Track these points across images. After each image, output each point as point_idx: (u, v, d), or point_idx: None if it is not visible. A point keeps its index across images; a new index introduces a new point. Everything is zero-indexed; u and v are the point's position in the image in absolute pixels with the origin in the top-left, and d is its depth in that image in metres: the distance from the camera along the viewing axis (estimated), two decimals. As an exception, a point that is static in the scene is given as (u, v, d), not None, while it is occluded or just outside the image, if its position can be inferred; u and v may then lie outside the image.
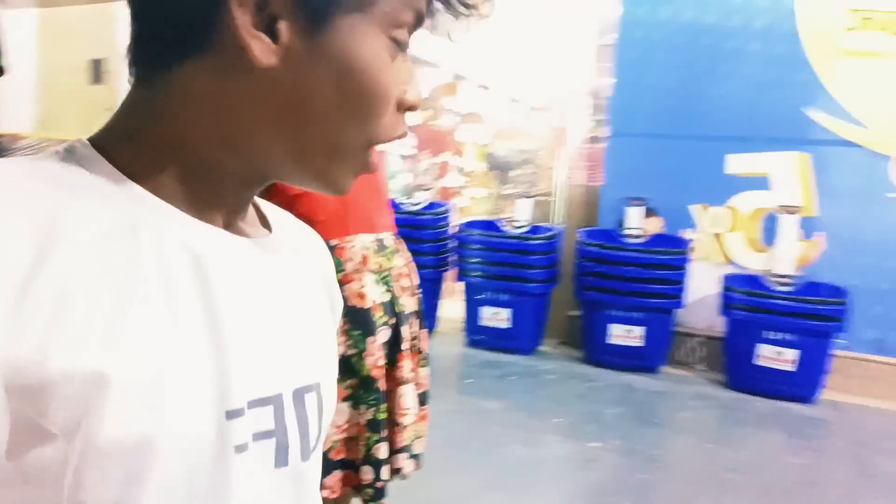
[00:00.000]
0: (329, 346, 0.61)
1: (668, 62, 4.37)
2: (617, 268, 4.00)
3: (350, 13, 0.45)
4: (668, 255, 4.03)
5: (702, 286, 4.17)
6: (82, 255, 0.40)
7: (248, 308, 0.49)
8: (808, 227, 4.06)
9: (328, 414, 0.58)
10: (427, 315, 4.38)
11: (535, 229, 4.32)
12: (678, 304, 4.06)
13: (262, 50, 0.44)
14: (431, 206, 4.54)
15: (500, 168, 5.59)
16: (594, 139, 4.71)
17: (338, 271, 1.44)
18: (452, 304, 4.59)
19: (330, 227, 1.49)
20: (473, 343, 4.31)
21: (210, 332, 0.45)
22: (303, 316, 0.56)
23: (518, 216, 4.39)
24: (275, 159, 0.48)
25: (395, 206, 4.47)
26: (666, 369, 4.14)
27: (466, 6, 0.50)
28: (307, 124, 0.47)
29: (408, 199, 4.63)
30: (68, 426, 0.38)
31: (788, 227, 3.97)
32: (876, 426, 3.49)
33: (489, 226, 4.47)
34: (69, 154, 0.45)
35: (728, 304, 3.88)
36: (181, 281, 0.44)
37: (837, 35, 4.00)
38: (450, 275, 4.54)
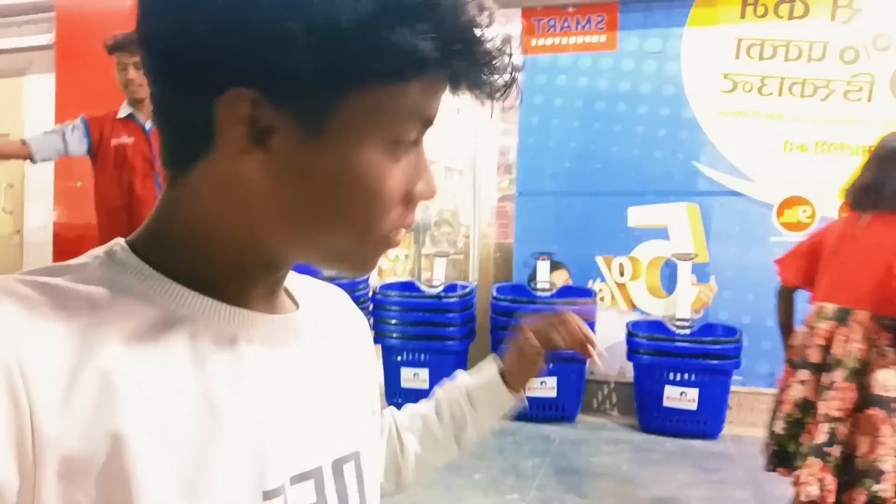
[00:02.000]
0: (366, 414, 0.62)
1: (567, 125, 4.67)
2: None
3: (346, 125, 0.45)
4: (576, 305, 4.22)
5: (611, 334, 4.38)
6: (122, 352, 0.42)
7: (284, 386, 0.51)
8: (703, 273, 4.36)
9: (372, 482, 0.58)
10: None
11: (451, 287, 4.46)
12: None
13: (252, 167, 0.45)
14: None
15: (416, 229, 5.75)
16: (504, 198, 4.93)
17: None
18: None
19: None
20: (394, 406, 4.35)
21: (248, 416, 0.46)
22: (337, 384, 0.57)
23: (434, 275, 4.53)
24: (292, 253, 0.51)
25: (314, 274, 4.53)
26: (582, 417, 4.29)
27: (491, 97, 0.50)
28: (312, 227, 0.48)
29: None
30: None
31: (684, 273, 4.25)
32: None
33: (406, 287, 4.58)
34: (109, 257, 0.48)
35: (633, 349, 4.09)
36: (216, 369, 0.46)
37: (716, 97, 4.39)
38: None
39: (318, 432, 0.53)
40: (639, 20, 4.53)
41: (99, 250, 0.49)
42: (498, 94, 0.50)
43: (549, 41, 4.69)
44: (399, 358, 4.33)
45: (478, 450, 3.74)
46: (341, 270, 0.53)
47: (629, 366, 4.21)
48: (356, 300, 3.96)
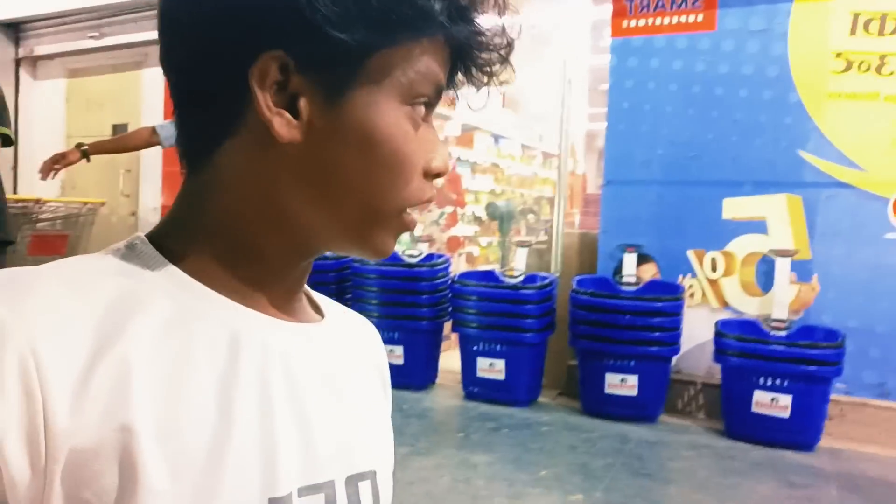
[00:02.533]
0: (384, 434, 0.61)
1: (659, 110, 4.43)
2: (610, 315, 4.01)
3: (367, 86, 0.47)
4: (663, 301, 4.02)
5: (700, 332, 4.14)
6: (137, 345, 0.42)
7: (301, 394, 0.50)
8: (804, 271, 4.02)
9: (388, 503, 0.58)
10: (427, 366, 4.45)
11: (531, 278, 4.37)
12: (674, 352, 4.03)
13: (283, 126, 0.46)
14: (429, 257, 4.63)
15: (500, 218, 5.68)
16: (592, 186, 4.77)
17: None
18: (452, 356, 4.63)
19: None
20: (470, 395, 4.34)
21: (260, 420, 0.46)
22: (357, 402, 0.56)
23: (515, 265, 4.45)
24: (315, 229, 0.50)
25: (394, 258, 4.58)
26: (664, 418, 4.10)
27: (488, 76, 0.53)
28: (337, 194, 0.48)
29: (407, 250, 4.73)
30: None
31: (783, 270, 3.94)
32: (874, 473, 3.38)
33: (486, 276, 4.53)
34: (129, 250, 0.48)
35: (722, 350, 3.84)
36: (231, 369, 0.46)
37: (826, 78, 4.02)
38: (449, 326, 4.60)
39: (333, 445, 0.52)
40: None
41: (120, 244, 0.49)
42: (492, 69, 0.52)
43: (642, 22, 4.46)
44: (476, 347, 4.30)
45: (548, 445, 3.67)
46: (359, 251, 0.52)
47: (718, 367, 3.96)
48: (433, 287, 3.99)
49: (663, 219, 4.39)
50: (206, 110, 0.49)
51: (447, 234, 6.10)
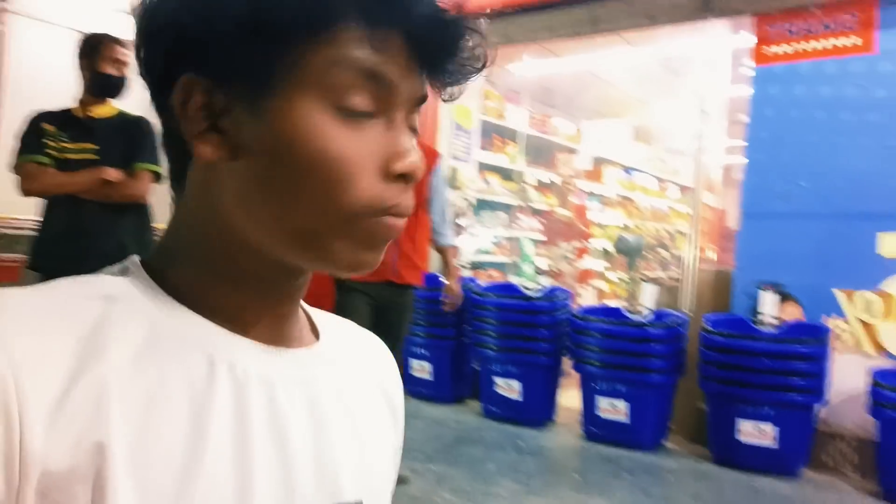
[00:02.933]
0: (380, 461, 0.59)
1: (803, 139, 4.12)
2: (747, 358, 3.72)
3: (286, 92, 0.45)
4: (805, 344, 3.68)
5: (851, 380, 3.74)
6: (117, 367, 0.42)
7: (283, 422, 0.49)
8: (979, 316, 3.53)
9: None
10: (544, 403, 4.33)
11: (658, 316, 4.16)
12: (818, 400, 3.66)
13: (207, 148, 0.47)
14: (550, 291, 4.55)
15: (629, 253, 5.48)
16: (729, 220, 4.50)
17: None
18: (572, 393, 4.49)
19: None
20: (590, 435, 4.16)
21: (234, 448, 0.45)
22: (347, 428, 0.54)
23: (643, 302, 4.26)
24: (275, 245, 0.48)
25: (514, 291, 4.54)
26: (809, 474, 3.71)
27: (462, 62, 0.49)
28: (277, 208, 0.47)
29: (527, 283, 4.67)
30: None
31: (952, 315, 3.48)
32: None
33: (610, 312, 4.36)
34: (121, 273, 0.49)
35: (878, 401, 3.44)
36: (206, 395, 0.45)
37: None
38: (568, 362, 4.47)
39: (315, 474, 0.50)
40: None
41: (115, 267, 0.50)
42: (460, 52, 0.48)
43: (785, 48, 4.19)
44: (597, 386, 4.14)
45: (671, 493, 3.44)
46: (324, 265, 0.49)
47: (871, 420, 3.55)
48: (552, 321, 3.89)
49: (806, 255, 4.04)
50: (168, 144, 0.51)
51: (577, 267, 5.97)
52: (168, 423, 0.43)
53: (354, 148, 0.46)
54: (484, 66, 0.50)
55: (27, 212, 3.53)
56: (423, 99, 0.50)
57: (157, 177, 2.73)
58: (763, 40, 4.27)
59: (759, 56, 4.28)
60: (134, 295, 0.47)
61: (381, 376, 0.62)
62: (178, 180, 0.52)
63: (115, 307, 0.45)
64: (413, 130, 0.51)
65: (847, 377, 3.75)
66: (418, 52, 0.48)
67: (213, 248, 0.49)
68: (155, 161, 2.72)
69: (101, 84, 2.70)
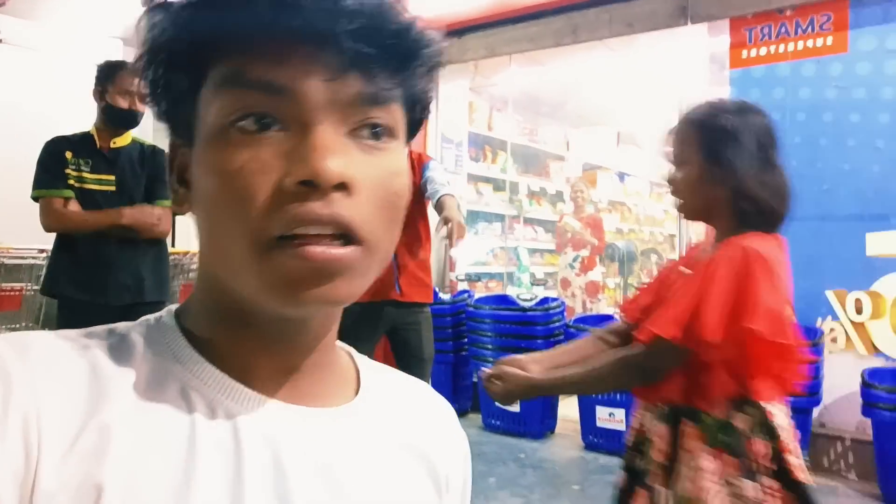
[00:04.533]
0: None
1: (786, 141, 4.12)
2: (738, 363, 3.72)
3: (200, 135, 0.46)
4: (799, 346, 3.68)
5: (844, 381, 3.75)
6: (125, 414, 0.43)
7: (289, 485, 0.46)
8: (970, 313, 3.55)
9: None
10: (544, 414, 4.34)
11: (651, 323, 4.17)
12: (813, 403, 3.67)
13: (179, 201, 0.50)
14: (543, 301, 4.56)
15: (620, 259, 5.49)
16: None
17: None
18: (572, 403, 4.50)
19: None
20: (590, 445, 4.17)
21: (230, 500, 0.43)
22: (366, 498, 0.50)
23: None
24: (232, 286, 0.47)
25: (508, 302, 4.56)
26: (808, 476, 3.72)
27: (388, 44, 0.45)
28: (211, 245, 0.47)
29: (522, 294, 4.69)
30: None
31: (943, 313, 3.50)
32: None
33: (605, 319, 4.38)
34: (155, 322, 0.50)
35: (871, 402, 3.45)
36: (204, 451, 0.44)
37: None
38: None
39: None
40: (876, 15, 3.88)
41: (151, 316, 0.51)
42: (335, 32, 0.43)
43: (763, 51, 4.22)
44: (595, 396, 4.15)
45: None
46: (274, 300, 0.45)
47: (869, 422, 3.56)
48: (547, 332, 3.88)
49: (795, 257, 4.04)
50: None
51: (585, 279, 5.97)
52: (162, 468, 0.42)
53: (256, 165, 0.43)
54: (416, 45, 0.46)
55: (27, 241, 3.53)
56: (368, 97, 0.45)
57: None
58: (739, 44, 4.30)
59: (736, 59, 4.31)
60: (156, 344, 0.48)
61: (427, 445, 0.56)
62: None
63: (133, 356, 0.46)
64: (366, 133, 0.46)
65: (842, 378, 3.76)
66: (323, 48, 0.44)
67: (213, 298, 0.49)
68: (167, 196, 2.76)
69: (112, 117, 2.71)
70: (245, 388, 0.47)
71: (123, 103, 2.68)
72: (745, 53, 4.27)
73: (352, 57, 0.43)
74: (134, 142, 2.80)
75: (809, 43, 4.08)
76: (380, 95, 0.45)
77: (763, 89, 4.22)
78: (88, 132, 2.75)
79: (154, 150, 2.82)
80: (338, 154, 0.43)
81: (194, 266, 5.60)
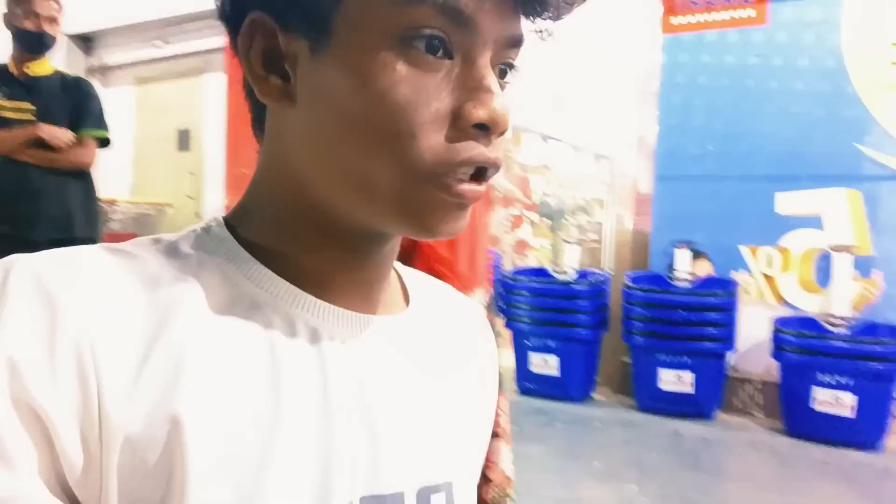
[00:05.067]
0: (470, 438, 0.55)
1: (712, 105, 4.40)
2: (664, 311, 3.99)
3: (348, 32, 0.41)
4: (717, 296, 3.98)
5: (757, 330, 4.08)
6: (194, 332, 0.40)
7: (369, 394, 0.45)
8: (866, 266, 3.93)
9: None
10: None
11: (582, 275, 4.38)
12: (729, 348, 3.99)
13: (268, 89, 0.44)
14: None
15: (551, 216, 5.69)
16: (643, 185, 4.75)
17: None
18: (506, 351, 4.66)
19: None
20: (524, 390, 4.36)
21: (319, 418, 0.42)
22: (437, 402, 0.51)
23: (565, 262, 4.47)
24: (342, 202, 0.44)
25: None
26: (722, 416, 4.05)
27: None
28: (346, 157, 0.42)
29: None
30: (156, 499, 0.37)
31: (843, 266, 3.86)
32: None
33: (538, 272, 4.56)
34: (204, 232, 0.46)
35: (780, 346, 3.79)
36: (286, 364, 0.42)
37: (884, 69, 3.93)
38: (500, 322, 4.64)
39: (403, 453, 0.46)
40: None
41: (198, 226, 0.47)
42: None
43: (693, 18, 4.44)
44: (528, 343, 4.33)
45: (601, 440, 3.67)
46: (399, 226, 0.44)
47: (776, 364, 3.90)
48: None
49: (716, 214, 4.35)
50: (246, 90, 0.48)
51: (514, 237, 6.12)
52: (245, 392, 0.40)
53: (423, 93, 0.40)
54: None
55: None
56: (518, 40, 0.44)
57: (103, 143, 2.66)
58: (670, 10, 4.50)
59: (667, 25, 4.52)
60: (212, 255, 0.44)
61: (471, 345, 0.58)
62: (258, 128, 0.49)
63: (192, 268, 0.43)
64: (504, 73, 0.45)
65: (753, 327, 4.09)
66: None
67: (289, 206, 0.46)
68: (102, 126, 2.65)
69: (21, 40, 2.59)
70: (321, 301, 0.45)
71: (31, 25, 2.56)
72: (675, 20, 4.48)
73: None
74: (56, 72, 2.68)
75: (735, 14, 4.32)
76: (523, 39, 0.44)
77: (692, 55, 4.44)
78: (5, 63, 2.62)
79: (78, 81, 2.70)
80: (502, 97, 0.42)
81: (118, 216, 5.37)
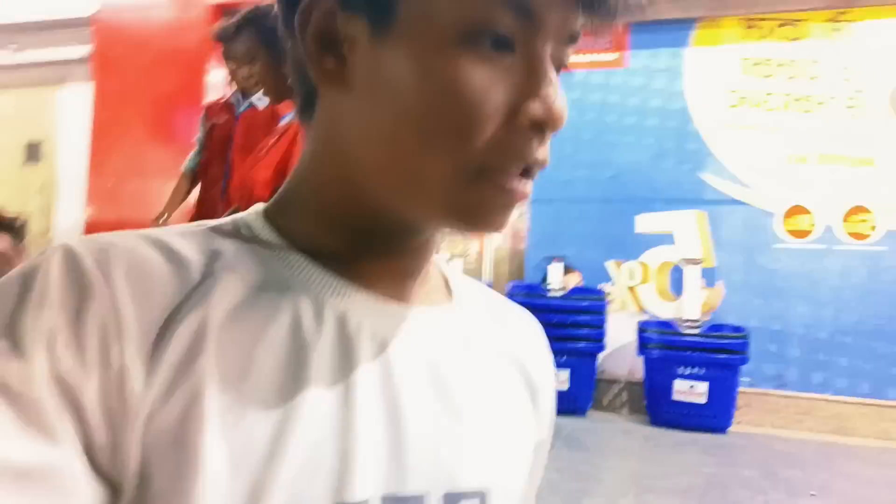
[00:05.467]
0: (510, 447, 0.50)
1: (579, 137, 4.90)
2: (541, 315, 4.24)
3: (411, 21, 0.40)
4: (588, 300, 4.37)
5: (620, 336, 4.51)
6: (220, 313, 0.39)
7: (397, 385, 0.43)
8: (710, 277, 4.51)
9: None
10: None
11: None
12: (600, 348, 4.36)
13: (323, 72, 0.42)
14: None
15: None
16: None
17: None
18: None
19: None
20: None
21: (341, 409, 0.41)
22: (473, 403, 0.47)
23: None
24: (390, 193, 0.43)
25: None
26: (592, 414, 4.39)
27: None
28: (399, 146, 0.41)
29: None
30: (165, 480, 0.36)
31: (692, 277, 4.41)
32: (780, 448, 3.81)
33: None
34: (243, 220, 0.46)
35: (644, 344, 4.22)
36: (315, 347, 0.41)
37: (721, 111, 4.63)
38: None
39: (429, 452, 0.44)
40: (648, 40, 4.81)
41: (240, 213, 0.47)
42: None
43: (564, 58, 4.96)
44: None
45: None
46: (446, 220, 0.43)
47: (639, 367, 4.32)
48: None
49: (584, 234, 4.81)
50: (294, 73, 0.47)
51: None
52: (266, 375, 0.39)
53: (486, 85, 0.39)
54: None
55: None
56: (576, 36, 0.43)
57: None
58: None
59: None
60: (247, 241, 0.44)
61: (521, 353, 0.54)
62: (306, 113, 0.47)
63: (225, 253, 0.42)
64: (558, 71, 0.43)
65: (618, 333, 4.51)
66: None
67: (333, 193, 0.45)
68: None
69: None
70: (353, 288, 0.44)
71: None
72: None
73: None
74: None
75: (598, 57, 4.91)
76: (580, 35, 0.43)
77: (564, 88, 4.93)
78: None
79: None
80: (562, 94, 0.41)
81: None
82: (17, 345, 0.35)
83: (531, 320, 0.58)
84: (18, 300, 0.36)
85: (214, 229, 0.44)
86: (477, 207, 0.41)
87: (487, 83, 0.39)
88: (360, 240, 0.45)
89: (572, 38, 0.43)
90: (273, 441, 0.38)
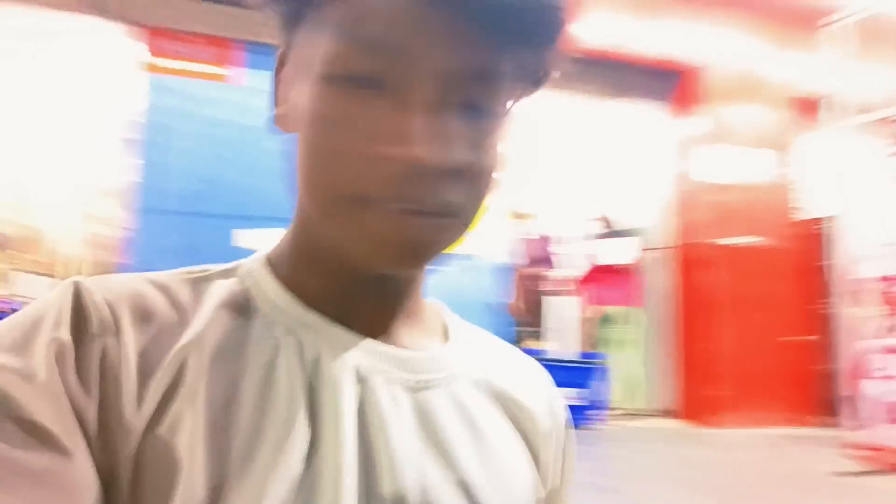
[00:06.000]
0: (511, 486, 0.49)
1: (193, 150, 4.80)
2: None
3: (300, 64, 0.44)
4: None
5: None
6: (205, 352, 0.42)
7: (367, 423, 0.44)
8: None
9: None
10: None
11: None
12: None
13: (279, 118, 0.48)
14: None
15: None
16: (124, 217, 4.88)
17: None
18: None
19: None
20: None
21: (304, 440, 0.42)
22: (461, 446, 0.47)
23: (16, 292, 4.33)
24: (320, 225, 0.45)
25: None
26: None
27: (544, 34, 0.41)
28: (301, 174, 0.44)
29: None
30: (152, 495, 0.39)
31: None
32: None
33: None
34: (241, 266, 0.50)
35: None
36: (288, 387, 0.43)
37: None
38: None
39: (398, 496, 0.43)
40: (262, 60, 4.86)
41: (246, 259, 0.51)
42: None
43: (176, 65, 4.86)
44: None
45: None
46: (348, 253, 0.44)
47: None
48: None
49: (183, 247, 4.69)
50: None
51: None
52: (235, 408, 0.42)
53: (345, 121, 0.41)
54: (556, 23, 0.41)
55: None
56: (480, 72, 0.41)
57: None
58: (156, 53, 4.86)
59: (154, 67, 4.86)
60: (248, 288, 0.48)
61: (519, 398, 0.53)
62: None
63: (222, 292, 0.47)
64: (465, 111, 0.42)
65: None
66: (458, 10, 0.39)
67: (306, 238, 0.48)
68: None
69: None
70: (336, 326, 0.46)
71: None
72: (161, 63, 4.85)
73: (479, 27, 0.39)
74: None
75: (214, 70, 4.88)
76: (488, 72, 0.41)
77: (181, 99, 4.83)
78: None
79: None
80: (440, 136, 0.40)
81: None
82: (30, 364, 0.38)
83: (534, 367, 0.58)
84: (33, 326, 0.40)
85: (218, 273, 0.49)
86: (359, 238, 0.42)
87: (344, 118, 0.40)
88: (337, 280, 0.47)
89: (474, 75, 0.41)
90: (247, 460, 0.40)
